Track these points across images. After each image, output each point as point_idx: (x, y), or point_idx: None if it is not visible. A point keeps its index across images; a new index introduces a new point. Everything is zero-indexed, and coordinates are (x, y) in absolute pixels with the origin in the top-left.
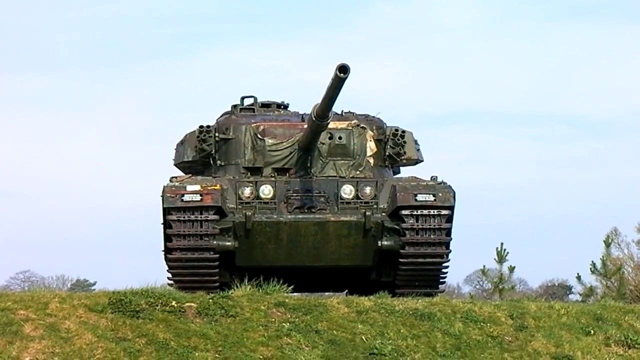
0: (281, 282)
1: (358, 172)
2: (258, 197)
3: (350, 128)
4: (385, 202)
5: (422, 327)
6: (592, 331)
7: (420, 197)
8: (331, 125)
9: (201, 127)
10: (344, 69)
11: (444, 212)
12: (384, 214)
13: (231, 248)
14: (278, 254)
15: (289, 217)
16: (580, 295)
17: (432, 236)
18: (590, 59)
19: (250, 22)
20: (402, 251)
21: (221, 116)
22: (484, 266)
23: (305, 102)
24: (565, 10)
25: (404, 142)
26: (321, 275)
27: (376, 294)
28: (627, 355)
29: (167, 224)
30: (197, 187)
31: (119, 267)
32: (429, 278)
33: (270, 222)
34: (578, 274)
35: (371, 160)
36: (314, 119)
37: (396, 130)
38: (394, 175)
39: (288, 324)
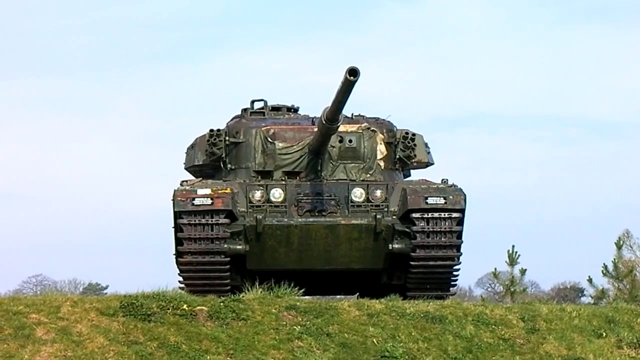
0: (292, 285)
1: (368, 175)
2: (269, 200)
3: (361, 131)
4: (395, 205)
5: (434, 330)
6: (604, 334)
7: (430, 200)
8: (341, 128)
9: (211, 130)
10: (353, 72)
11: (454, 214)
12: (394, 217)
13: (242, 251)
14: (289, 257)
15: (300, 220)
16: (592, 297)
17: (443, 239)
18: (600, 61)
19: (260, 25)
20: (413, 254)
21: (231, 120)
22: (496, 269)
23: (315, 105)
24: (576, 12)
25: (414, 145)
26: (332, 278)
27: (387, 297)
28: (639, 358)
29: (178, 228)
30: (208, 191)
31: (130, 271)
32: (440, 281)
33: (281, 225)
34: (589, 276)
35: (381, 164)
36: (324, 122)
37: (406, 133)
38: (405, 178)
39: (299, 327)
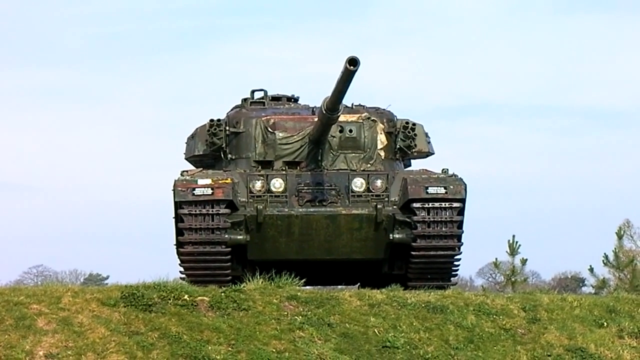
0: (293, 275)
1: (369, 165)
2: (269, 190)
3: (361, 121)
4: (396, 195)
5: (435, 320)
6: (605, 323)
7: (431, 190)
8: (342, 118)
9: (212, 120)
10: (353, 62)
11: (455, 204)
12: (395, 206)
13: (243, 242)
14: (289, 247)
15: (300, 210)
16: (593, 287)
17: (443, 229)
18: (603, 50)
19: (260, 15)
20: (413, 244)
21: (231, 110)
22: (496, 259)
23: (315, 95)
24: (578, 1)
25: (415, 134)
26: (333, 268)
27: (388, 287)
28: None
29: (178, 218)
30: (208, 181)
31: (131, 261)
32: (441, 271)
33: (281, 215)
34: (590, 266)
35: (382, 153)
36: (324, 112)
37: (407, 122)
38: (405, 168)
39: (300, 317)
